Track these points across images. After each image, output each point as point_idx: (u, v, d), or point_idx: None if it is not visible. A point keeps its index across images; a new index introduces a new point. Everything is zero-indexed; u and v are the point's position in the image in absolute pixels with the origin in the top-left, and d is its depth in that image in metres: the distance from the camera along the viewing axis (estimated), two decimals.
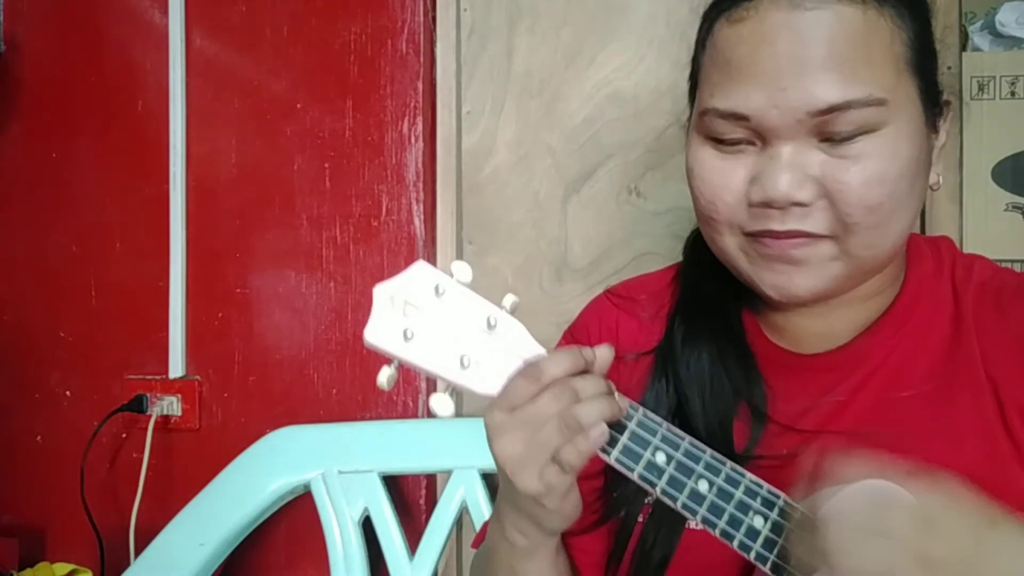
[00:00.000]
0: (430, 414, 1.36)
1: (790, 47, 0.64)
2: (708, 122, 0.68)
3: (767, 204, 0.66)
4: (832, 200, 0.65)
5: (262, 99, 1.43)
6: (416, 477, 1.37)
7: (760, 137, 0.67)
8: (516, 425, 0.62)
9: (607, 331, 0.84)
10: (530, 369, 0.63)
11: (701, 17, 0.72)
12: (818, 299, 0.70)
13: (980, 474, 0.67)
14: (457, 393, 0.66)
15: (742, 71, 0.65)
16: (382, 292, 0.65)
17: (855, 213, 0.65)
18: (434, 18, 1.38)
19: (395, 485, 1.34)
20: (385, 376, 0.65)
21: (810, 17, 0.63)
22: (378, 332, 0.65)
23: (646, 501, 0.76)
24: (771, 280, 0.69)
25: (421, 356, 0.65)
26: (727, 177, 0.68)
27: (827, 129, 0.64)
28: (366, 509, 1.28)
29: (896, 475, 0.59)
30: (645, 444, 0.65)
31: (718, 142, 0.69)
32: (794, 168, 0.65)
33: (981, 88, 1.21)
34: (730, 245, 0.71)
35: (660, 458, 0.64)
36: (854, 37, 0.64)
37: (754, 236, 0.68)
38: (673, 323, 0.80)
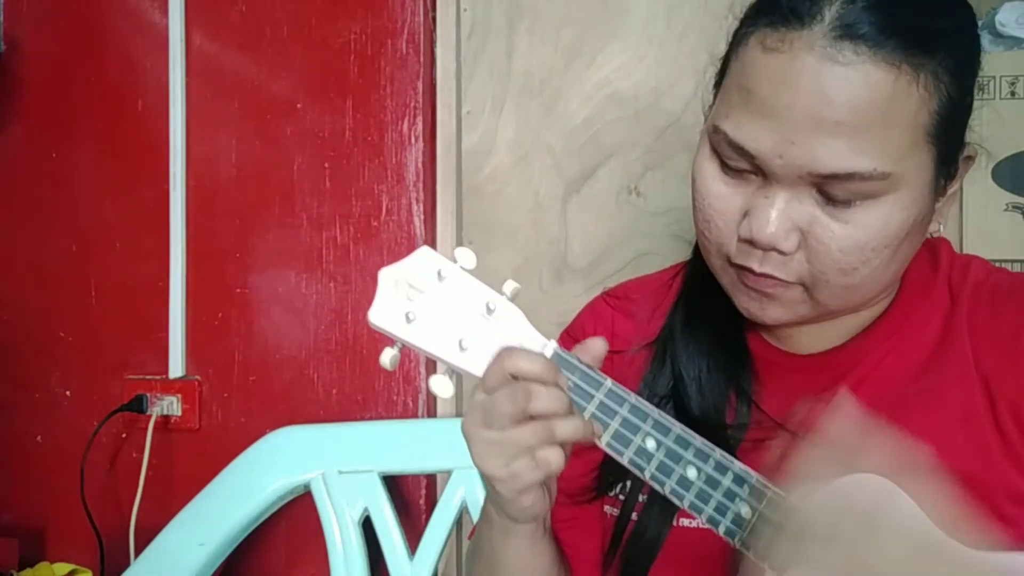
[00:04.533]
0: (431, 413, 1.37)
1: (809, 101, 0.62)
2: (717, 140, 0.68)
3: (751, 243, 0.67)
4: (809, 255, 0.66)
5: (262, 99, 1.43)
6: (416, 477, 1.37)
7: (761, 172, 0.66)
8: (486, 410, 0.64)
9: (603, 332, 0.84)
10: (503, 355, 0.64)
11: (744, 14, 0.69)
12: (789, 326, 0.73)
13: (970, 471, 0.68)
14: (457, 376, 0.68)
15: (759, 107, 0.64)
16: (387, 275, 0.67)
17: (828, 272, 0.66)
18: (434, 18, 1.38)
19: (395, 485, 1.34)
20: (388, 357, 0.67)
21: (838, 74, 0.61)
22: (381, 314, 0.67)
23: (640, 499, 0.76)
24: (746, 305, 0.71)
25: (421, 338, 0.67)
26: (726, 204, 0.68)
27: (825, 188, 0.64)
28: (366, 509, 1.28)
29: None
30: (636, 429, 0.66)
31: (724, 162, 0.69)
32: (784, 218, 0.65)
33: (981, 88, 1.20)
34: (715, 263, 0.72)
35: (650, 444, 0.66)
36: (875, 105, 0.61)
37: (735, 266, 0.70)
38: (677, 308, 0.81)
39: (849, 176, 0.62)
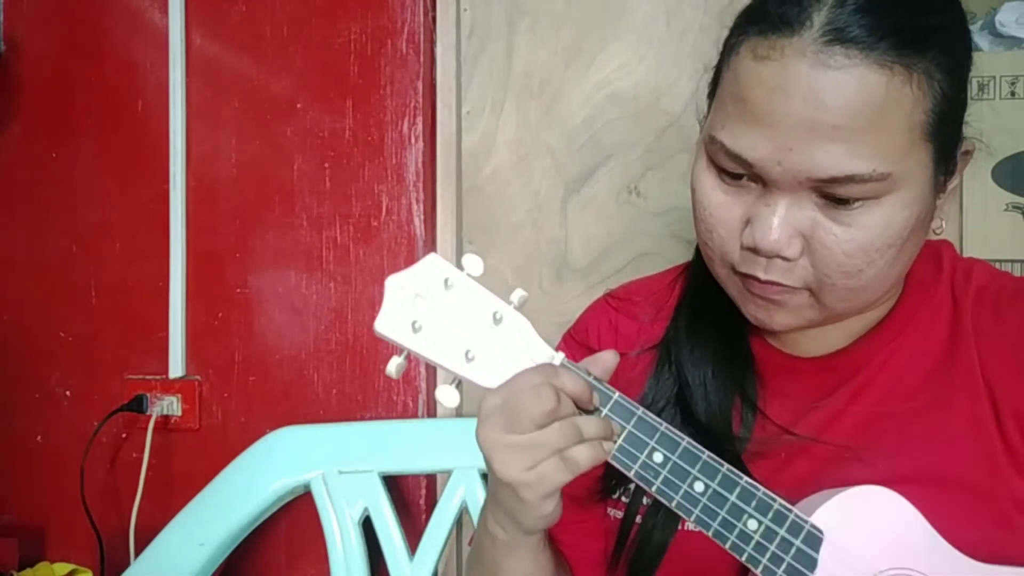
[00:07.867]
0: (431, 413, 1.37)
1: (805, 107, 0.61)
2: (714, 151, 0.67)
3: (755, 251, 0.67)
4: (813, 259, 0.66)
5: (262, 99, 1.43)
6: (416, 477, 1.37)
7: (760, 180, 0.66)
8: (508, 414, 0.63)
9: (606, 333, 0.84)
10: (547, 370, 0.64)
11: (733, 23, 0.69)
12: (797, 331, 0.72)
13: (975, 479, 0.68)
14: (463, 385, 0.67)
15: (754, 116, 0.64)
16: (394, 283, 0.67)
17: (832, 275, 0.66)
18: (434, 18, 1.38)
19: (395, 485, 1.34)
20: (394, 366, 0.67)
21: (831, 78, 0.61)
22: (388, 323, 0.66)
23: (644, 502, 0.76)
24: (752, 312, 0.71)
25: (428, 348, 0.66)
26: (726, 213, 0.68)
27: (826, 191, 0.64)
28: (366, 509, 1.28)
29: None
30: (643, 444, 0.66)
31: (722, 170, 0.68)
32: (786, 224, 0.65)
33: (981, 88, 1.21)
34: (720, 272, 0.72)
35: (657, 458, 0.66)
36: (870, 107, 0.61)
37: (740, 274, 0.69)
38: (680, 312, 0.81)
39: (849, 179, 0.62)
